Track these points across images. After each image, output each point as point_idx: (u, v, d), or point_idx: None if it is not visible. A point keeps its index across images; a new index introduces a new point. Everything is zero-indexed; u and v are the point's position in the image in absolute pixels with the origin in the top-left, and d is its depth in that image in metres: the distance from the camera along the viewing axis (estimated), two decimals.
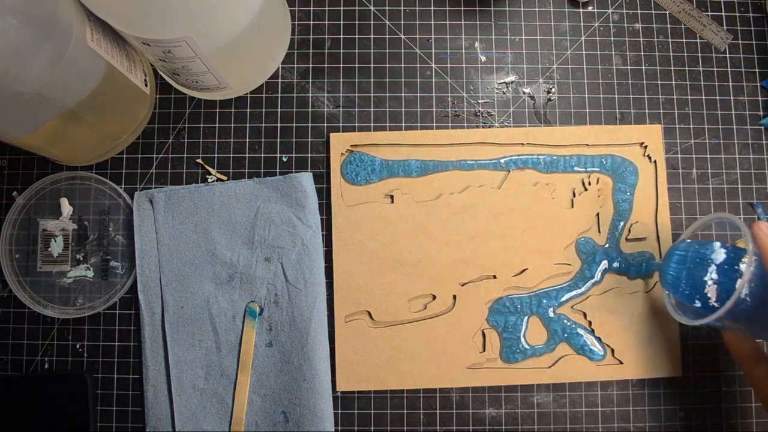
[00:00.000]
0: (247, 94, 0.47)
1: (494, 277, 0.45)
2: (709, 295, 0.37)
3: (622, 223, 0.46)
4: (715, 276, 0.37)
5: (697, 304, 0.37)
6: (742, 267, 0.36)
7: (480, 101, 0.48)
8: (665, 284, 0.40)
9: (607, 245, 0.46)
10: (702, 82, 0.48)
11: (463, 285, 0.45)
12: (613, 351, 0.45)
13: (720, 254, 0.37)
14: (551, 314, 0.45)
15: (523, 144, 0.46)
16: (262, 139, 0.47)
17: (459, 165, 0.46)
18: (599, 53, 0.48)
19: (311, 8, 0.48)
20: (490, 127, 0.47)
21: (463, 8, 0.49)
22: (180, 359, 0.44)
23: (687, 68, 0.48)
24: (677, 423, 0.45)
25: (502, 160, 0.46)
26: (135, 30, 0.35)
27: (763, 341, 0.44)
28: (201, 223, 0.45)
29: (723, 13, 0.49)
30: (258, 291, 0.45)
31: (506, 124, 0.48)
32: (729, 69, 0.48)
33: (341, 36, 0.48)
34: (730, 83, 0.48)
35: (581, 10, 0.49)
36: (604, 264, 0.45)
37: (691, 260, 0.39)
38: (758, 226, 0.35)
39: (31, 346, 0.45)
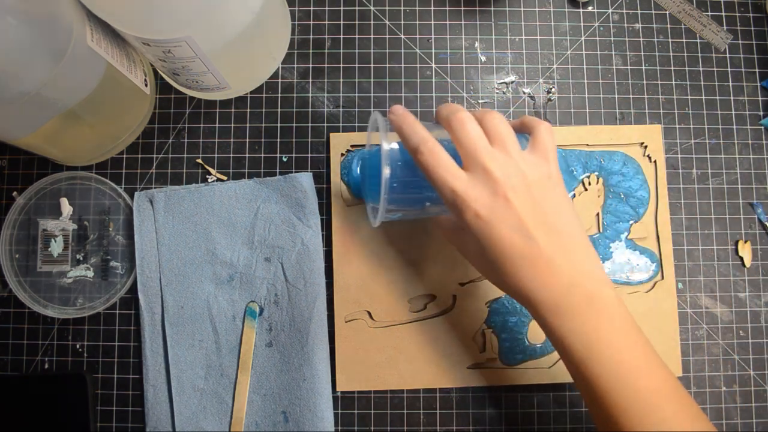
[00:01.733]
0: (247, 94, 0.47)
1: None
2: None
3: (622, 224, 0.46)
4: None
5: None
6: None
7: (480, 101, 0.48)
8: (369, 188, 0.42)
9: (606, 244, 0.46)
10: (702, 82, 0.48)
11: (463, 285, 0.45)
12: None
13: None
14: None
15: None
16: (262, 139, 0.47)
17: None
18: (599, 53, 0.48)
19: (311, 8, 0.48)
20: None
21: (463, 8, 0.49)
22: (180, 359, 0.44)
23: (687, 68, 0.48)
24: None
25: None
26: (135, 30, 0.35)
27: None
28: (201, 223, 0.45)
29: (723, 13, 0.49)
30: (258, 291, 0.45)
31: None
32: (729, 69, 0.48)
33: (341, 36, 0.48)
34: (730, 83, 0.48)
35: (581, 10, 0.49)
36: (607, 265, 0.45)
37: (372, 164, 0.41)
38: (390, 110, 0.36)
39: (31, 346, 0.45)
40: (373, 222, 0.40)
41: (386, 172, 0.35)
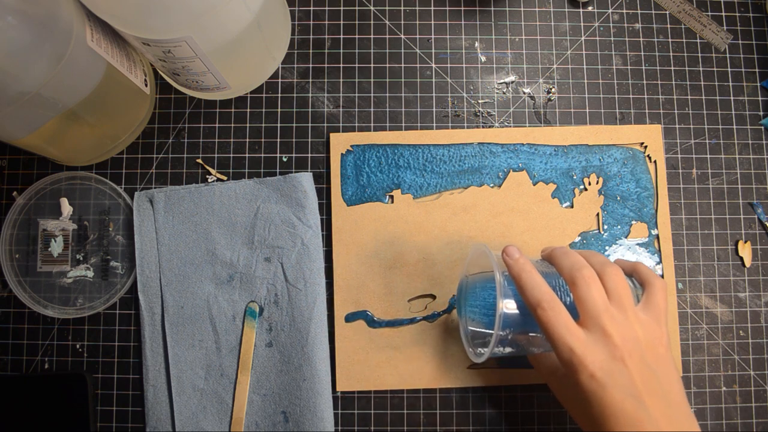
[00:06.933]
0: (247, 94, 0.47)
1: None
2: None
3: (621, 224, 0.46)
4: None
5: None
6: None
7: (480, 101, 0.48)
8: (468, 315, 0.41)
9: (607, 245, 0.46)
10: (702, 82, 0.48)
11: None
12: None
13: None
14: None
15: (523, 144, 0.46)
16: (262, 139, 0.47)
17: None
18: (599, 53, 0.48)
19: (311, 8, 0.48)
20: (490, 127, 0.47)
21: (463, 8, 0.49)
22: (180, 359, 0.44)
23: (687, 68, 0.48)
24: None
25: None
26: (135, 30, 0.35)
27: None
28: (201, 223, 0.45)
29: (723, 13, 0.49)
30: (258, 291, 0.45)
31: (506, 124, 0.48)
32: (729, 69, 0.48)
33: (341, 36, 0.48)
34: (730, 83, 0.48)
35: (581, 10, 0.49)
36: None
37: (481, 289, 0.40)
38: (505, 251, 0.36)
39: (31, 346, 0.45)
40: (475, 357, 0.39)
41: (500, 306, 0.35)
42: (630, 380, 0.32)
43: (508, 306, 0.36)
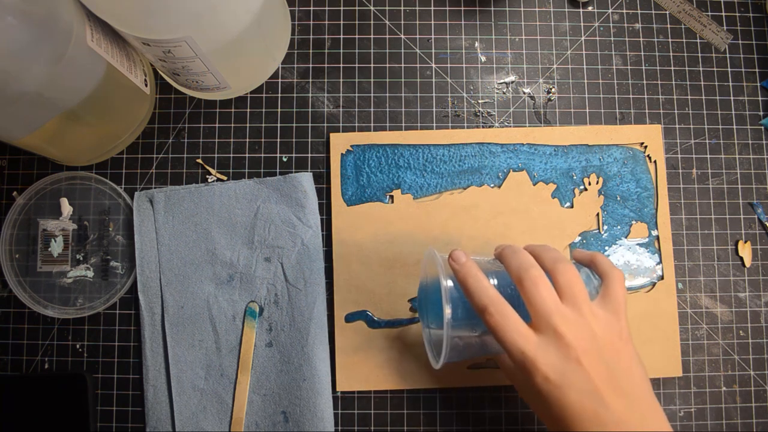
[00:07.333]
0: (247, 94, 0.47)
1: None
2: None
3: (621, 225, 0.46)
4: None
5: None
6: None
7: (480, 101, 0.48)
8: (429, 320, 0.40)
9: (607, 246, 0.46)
10: (702, 82, 0.48)
11: None
12: None
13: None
14: None
15: (523, 144, 0.46)
16: (262, 139, 0.47)
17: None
18: (599, 53, 0.48)
19: (311, 8, 0.48)
20: (490, 127, 0.47)
21: (463, 8, 0.49)
22: (180, 359, 0.44)
23: (687, 68, 0.48)
24: (677, 423, 0.45)
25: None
26: (135, 30, 0.35)
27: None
28: (201, 223, 0.45)
29: (723, 13, 0.49)
30: (258, 291, 0.45)
31: (506, 124, 0.48)
32: (729, 69, 0.48)
33: (341, 36, 0.48)
34: (730, 83, 0.48)
35: (581, 10, 0.49)
36: None
37: (435, 294, 0.39)
38: (451, 256, 0.36)
39: (31, 346, 0.45)
40: (435, 364, 0.38)
41: (447, 312, 0.34)
42: (586, 379, 0.31)
43: (459, 311, 0.35)
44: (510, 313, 0.33)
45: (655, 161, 0.46)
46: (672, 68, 0.48)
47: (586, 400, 0.31)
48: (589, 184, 0.46)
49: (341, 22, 0.48)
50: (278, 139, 0.47)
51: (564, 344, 0.32)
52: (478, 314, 0.34)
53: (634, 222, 0.46)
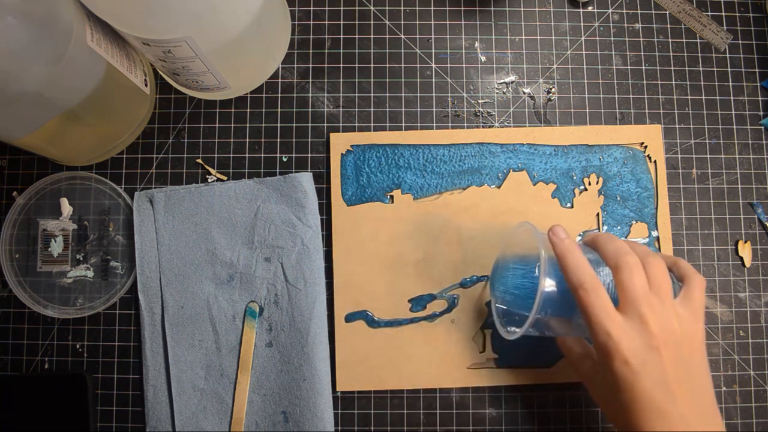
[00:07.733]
0: (247, 94, 0.47)
1: None
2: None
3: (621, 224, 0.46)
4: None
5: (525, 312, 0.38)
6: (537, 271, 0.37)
7: (480, 101, 0.48)
8: (501, 294, 0.41)
9: None
10: (702, 82, 0.48)
11: (464, 286, 0.45)
12: None
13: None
14: None
15: (523, 144, 0.46)
16: (262, 139, 0.47)
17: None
18: (599, 53, 0.48)
19: (311, 8, 0.48)
20: (490, 127, 0.47)
21: (463, 8, 0.49)
22: (180, 359, 0.44)
23: (687, 68, 0.48)
24: None
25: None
26: (135, 30, 0.35)
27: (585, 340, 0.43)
28: (201, 223, 0.45)
29: (723, 13, 0.49)
30: (258, 291, 0.45)
31: (506, 124, 0.48)
32: (729, 69, 0.48)
33: (341, 36, 0.48)
34: (730, 83, 0.48)
35: (581, 10, 0.49)
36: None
37: (519, 268, 0.40)
38: (552, 230, 0.36)
39: (31, 346, 0.45)
40: (507, 335, 0.39)
41: (545, 283, 0.35)
42: (662, 370, 0.32)
43: (549, 286, 0.36)
44: (603, 293, 0.33)
45: (655, 161, 0.46)
46: (672, 68, 0.48)
47: (657, 391, 0.32)
48: (589, 184, 0.46)
49: (341, 22, 0.48)
50: (278, 139, 0.47)
51: (648, 332, 0.32)
52: (571, 290, 0.34)
53: (634, 222, 0.46)
